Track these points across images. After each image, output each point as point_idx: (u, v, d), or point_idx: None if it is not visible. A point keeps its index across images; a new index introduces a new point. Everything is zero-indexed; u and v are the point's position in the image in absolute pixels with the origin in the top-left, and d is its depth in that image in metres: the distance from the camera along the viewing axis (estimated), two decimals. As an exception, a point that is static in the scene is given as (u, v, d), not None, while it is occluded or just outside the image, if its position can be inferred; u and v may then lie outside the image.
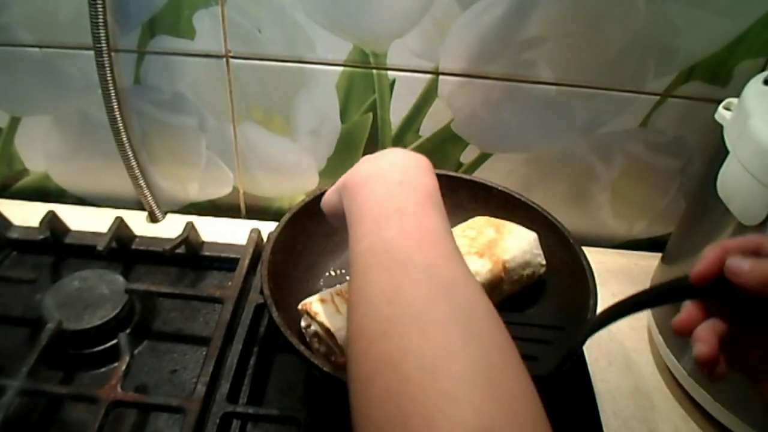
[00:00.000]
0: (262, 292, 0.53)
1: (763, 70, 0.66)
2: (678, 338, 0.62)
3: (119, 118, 0.71)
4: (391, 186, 0.39)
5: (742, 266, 0.35)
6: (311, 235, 0.62)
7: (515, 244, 0.61)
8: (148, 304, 0.65)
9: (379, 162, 0.43)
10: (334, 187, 0.47)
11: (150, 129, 0.75)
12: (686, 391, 0.61)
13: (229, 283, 0.63)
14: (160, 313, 0.65)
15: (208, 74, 0.69)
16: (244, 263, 0.64)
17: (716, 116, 0.58)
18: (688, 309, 0.38)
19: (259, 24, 0.66)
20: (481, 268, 0.58)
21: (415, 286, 0.32)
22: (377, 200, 0.39)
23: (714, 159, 0.60)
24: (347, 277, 0.64)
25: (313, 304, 0.53)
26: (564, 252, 0.63)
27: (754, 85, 0.55)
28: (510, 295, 0.61)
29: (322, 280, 0.63)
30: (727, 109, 0.58)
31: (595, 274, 0.59)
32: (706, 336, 0.37)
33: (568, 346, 0.48)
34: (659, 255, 0.79)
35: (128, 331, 0.61)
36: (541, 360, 0.49)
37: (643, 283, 0.74)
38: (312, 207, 0.62)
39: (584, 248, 0.63)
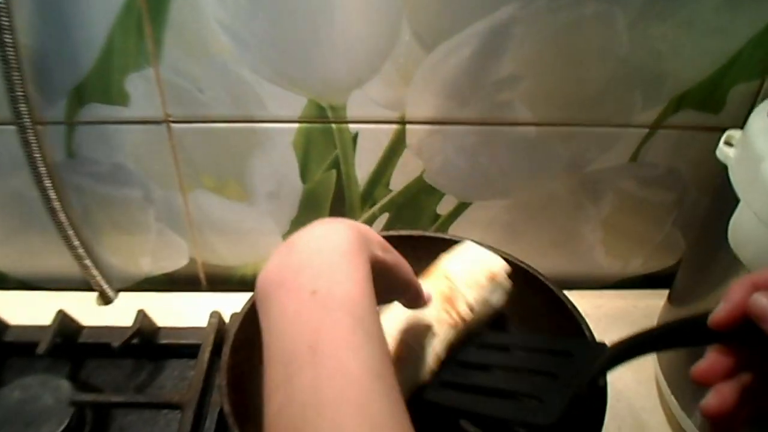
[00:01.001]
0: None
1: (758, 93, 0.60)
2: (691, 393, 0.57)
3: (54, 196, 0.63)
4: (303, 299, 0.32)
5: None
6: (277, 321, 0.55)
7: (449, 259, 0.55)
8: (100, 412, 0.57)
9: (290, 256, 0.35)
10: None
11: (91, 204, 0.67)
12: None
13: (190, 381, 0.56)
14: (114, 420, 0.58)
15: (149, 141, 0.62)
16: (204, 358, 0.56)
17: (717, 153, 0.53)
18: (712, 357, 0.33)
19: (199, 84, 0.58)
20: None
21: None
22: (286, 327, 0.31)
23: (719, 199, 0.55)
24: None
25: None
26: (551, 305, 0.56)
27: (760, 119, 0.49)
28: (493, 314, 0.54)
29: (293, 371, 0.56)
30: (729, 144, 0.53)
31: (593, 321, 0.53)
32: (724, 389, 0.33)
33: (572, 388, 0.40)
34: (657, 292, 0.73)
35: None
36: (547, 402, 0.41)
37: (646, 326, 0.68)
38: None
39: (578, 292, 0.57)
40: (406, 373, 0.46)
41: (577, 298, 0.55)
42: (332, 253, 0.34)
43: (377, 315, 0.33)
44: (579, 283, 0.73)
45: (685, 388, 0.57)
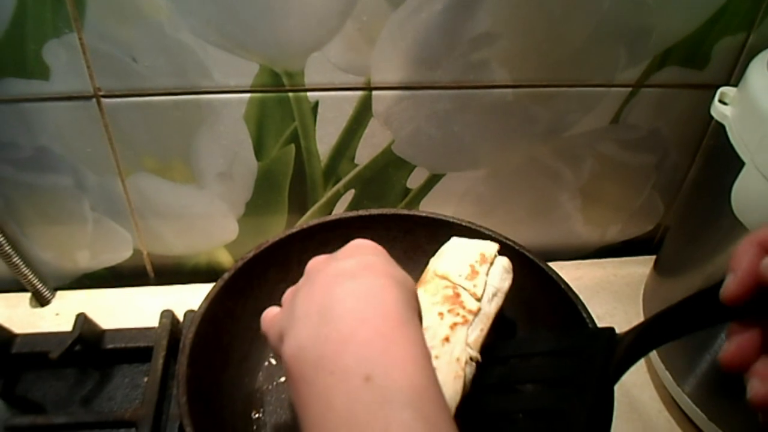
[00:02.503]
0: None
1: (743, 47, 0.57)
2: (681, 365, 0.54)
3: (-32, 188, 0.55)
4: (355, 388, 0.24)
5: None
6: (238, 320, 0.49)
7: (437, 260, 0.51)
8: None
9: (326, 325, 0.27)
10: (274, 331, 0.31)
11: (14, 195, 0.58)
12: (697, 425, 0.52)
13: (142, 389, 0.49)
14: (59, 439, 0.51)
15: (77, 120, 0.54)
16: (158, 365, 0.50)
17: (712, 112, 0.49)
18: (737, 338, 0.29)
19: (132, 52, 0.51)
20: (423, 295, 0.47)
21: None
22: (339, 428, 0.24)
23: (714, 161, 0.51)
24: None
25: None
26: (534, 276, 0.53)
27: (761, 76, 0.45)
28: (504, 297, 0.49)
29: (260, 374, 0.50)
30: (723, 102, 0.49)
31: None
32: (763, 370, 0.28)
33: (591, 393, 0.36)
34: (637, 259, 0.71)
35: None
36: (571, 414, 0.36)
37: (629, 297, 0.66)
38: (233, 284, 0.49)
39: (556, 263, 0.54)
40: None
41: (556, 271, 0.53)
42: (383, 322, 0.27)
43: (447, 405, 0.26)
44: (556, 254, 0.69)
45: (675, 359, 0.55)
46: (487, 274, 0.47)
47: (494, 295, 0.47)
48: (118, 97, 0.53)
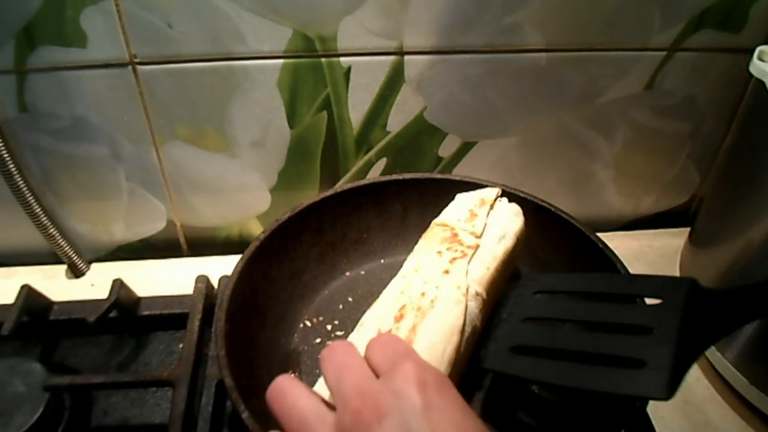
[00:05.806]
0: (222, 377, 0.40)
1: (782, 7, 0.55)
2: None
3: (8, 158, 0.56)
4: None
5: None
6: (274, 281, 0.49)
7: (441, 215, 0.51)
8: (79, 396, 0.51)
9: None
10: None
11: (52, 165, 0.59)
12: (744, 398, 0.51)
13: (178, 355, 0.49)
14: (97, 402, 0.51)
15: (113, 88, 0.55)
16: (194, 327, 0.50)
17: (751, 69, 0.48)
18: None
19: (168, 17, 0.51)
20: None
21: None
22: None
23: (752, 122, 0.50)
24: (327, 327, 0.51)
25: None
26: (573, 240, 0.52)
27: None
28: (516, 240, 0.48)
29: (296, 335, 0.50)
30: (762, 59, 0.48)
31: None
32: None
33: (683, 347, 0.31)
34: (671, 231, 0.70)
35: (56, 437, 0.47)
36: (653, 366, 0.32)
37: (664, 268, 0.65)
38: (268, 245, 0.49)
39: None
40: (440, 324, 0.40)
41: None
42: None
43: None
44: (589, 225, 0.68)
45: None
46: (487, 216, 0.47)
47: (502, 237, 0.47)
48: (153, 64, 0.54)
